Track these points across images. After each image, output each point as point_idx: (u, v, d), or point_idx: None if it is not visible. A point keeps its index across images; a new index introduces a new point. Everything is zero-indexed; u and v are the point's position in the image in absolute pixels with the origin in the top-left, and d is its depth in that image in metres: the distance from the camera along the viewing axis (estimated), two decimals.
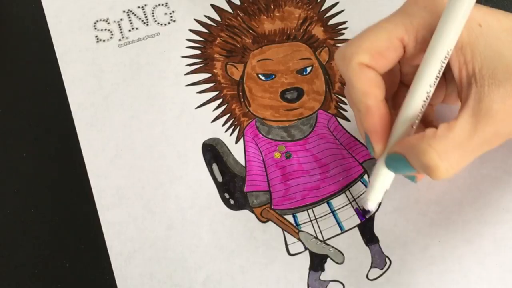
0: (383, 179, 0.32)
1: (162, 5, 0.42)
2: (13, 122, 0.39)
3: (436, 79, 0.28)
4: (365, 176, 0.37)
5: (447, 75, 0.33)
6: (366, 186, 0.37)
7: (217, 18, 0.42)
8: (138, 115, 0.39)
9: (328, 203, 0.36)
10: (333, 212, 0.36)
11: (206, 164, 0.38)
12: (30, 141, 0.39)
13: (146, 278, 0.34)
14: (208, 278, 0.34)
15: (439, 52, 0.28)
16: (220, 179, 0.37)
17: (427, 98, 0.29)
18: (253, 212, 0.36)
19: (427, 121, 0.34)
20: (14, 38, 0.42)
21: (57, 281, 0.35)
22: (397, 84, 0.34)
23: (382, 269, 0.34)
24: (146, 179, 0.37)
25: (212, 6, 0.42)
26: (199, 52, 0.41)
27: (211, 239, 0.35)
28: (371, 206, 0.33)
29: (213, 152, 0.38)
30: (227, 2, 0.42)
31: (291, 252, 0.35)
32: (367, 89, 0.29)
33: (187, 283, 0.34)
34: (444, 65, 0.28)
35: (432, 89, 0.29)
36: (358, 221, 0.36)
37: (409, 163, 0.28)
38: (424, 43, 0.28)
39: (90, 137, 0.38)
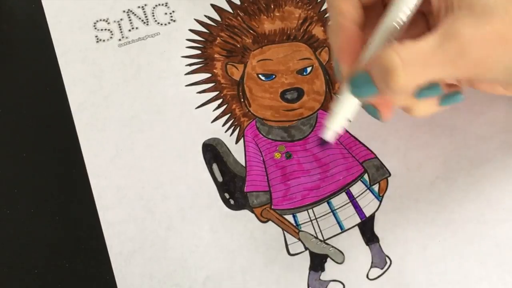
0: (346, 106, 0.30)
1: (162, 5, 0.42)
2: (13, 122, 0.39)
3: None
4: (365, 176, 0.37)
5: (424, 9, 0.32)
6: (366, 185, 0.37)
7: (217, 18, 0.42)
8: (138, 115, 0.39)
9: (328, 203, 0.36)
10: (333, 211, 0.36)
11: (206, 164, 0.38)
12: (30, 141, 0.39)
13: (146, 278, 0.34)
14: (208, 278, 0.34)
15: None
16: (220, 179, 0.37)
17: (405, 16, 0.28)
18: (253, 212, 0.36)
19: None
20: (14, 38, 0.42)
21: (57, 281, 0.35)
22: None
23: (382, 268, 0.34)
24: (146, 179, 0.37)
25: (212, 6, 0.42)
26: (199, 52, 0.41)
27: (211, 239, 0.35)
28: (329, 135, 0.30)
29: (213, 152, 0.38)
30: (227, 2, 0.42)
31: (291, 252, 0.35)
32: (344, 8, 0.29)
33: (187, 283, 0.34)
34: None
35: (413, 7, 0.28)
36: (358, 220, 0.36)
37: (372, 78, 0.28)
38: None
39: (90, 137, 0.38)
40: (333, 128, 0.30)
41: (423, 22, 0.32)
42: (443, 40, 0.27)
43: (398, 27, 0.28)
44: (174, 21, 0.42)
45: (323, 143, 0.31)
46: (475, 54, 0.27)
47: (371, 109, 0.30)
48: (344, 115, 0.30)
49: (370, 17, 0.31)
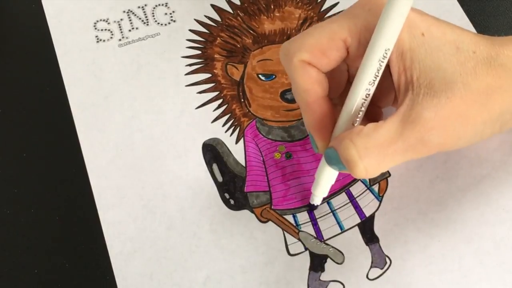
0: (327, 174, 0.32)
1: (162, 5, 0.42)
2: (13, 122, 0.39)
3: (376, 78, 0.28)
4: None
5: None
6: (366, 185, 0.37)
7: (217, 18, 0.42)
8: (138, 115, 0.39)
9: (328, 203, 0.36)
10: (333, 211, 0.36)
11: (206, 164, 0.38)
12: (30, 141, 0.39)
13: (146, 278, 0.34)
14: (208, 278, 0.34)
15: (377, 51, 0.28)
16: (220, 179, 0.37)
17: (366, 97, 0.29)
18: (253, 212, 0.36)
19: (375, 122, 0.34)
20: (14, 38, 0.42)
21: (57, 281, 0.35)
22: (345, 83, 0.33)
23: (382, 268, 0.34)
24: (146, 179, 0.37)
25: (212, 6, 0.42)
26: (199, 52, 0.41)
27: (211, 239, 0.35)
28: (317, 201, 0.35)
29: (213, 152, 0.38)
30: (227, 2, 0.42)
31: (291, 252, 0.35)
32: (308, 86, 0.29)
33: (187, 283, 0.34)
34: (383, 65, 0.28)
35: (372, 88, 0.29)
36: (358, 220, 0.36)
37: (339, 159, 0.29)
38: (367, 45, 0.28)
39: (90, 137, 0.38)
40: (320, 194, 0.34)
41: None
42: (403, 128, 0.27)
43: (363, 107, 0.29)
44: (174, 21, 0.42)
45: (312, 208, 0.36)
46: (436, 139, 0.27)
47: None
48: (327, 182, 0.33)
49: (335, 77, 0.32)
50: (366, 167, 0.27)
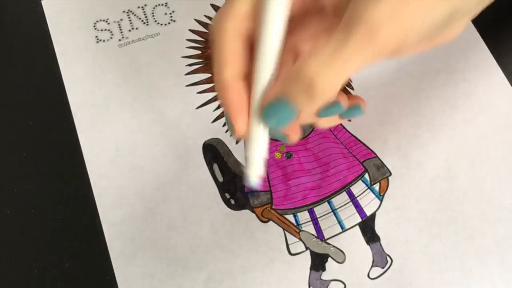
0: (258, 147, 0.28)
1: (162, 5, 0.42)
2: (13, 122, 0.39)
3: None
4: (366, 175, 0.37)
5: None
6: (367, 185, 0.37)
7: None
8: (139, 115, 0.39)
9: (329, 202, 0.36)
10: (334, 211, 0.36)
11: (207, 164, 0.38)
12: (30, 141, 0.38)
13: (147, 278, 0.34)
14: (209, 278, 0.34)
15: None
16: (220, 179, 0.37)
17: (277, 41, 0.27)
18: (254, 212, 0.36)
19: None
20: (14, 38, 0.42)
21: (57, 281, 0.35)
22: None
23: (383, 267, 0.34)
24: (146, 180, 0.37)
25: (212, 6, 0.42)
26: (199, 52, 0.41)
27: (212, 239, 0.35)
28: (254, 181, 0.29)
29: (213, 152, 0.38)
30: None
31: (292, 252, 0.35)
32: (228, 58, 0.27)
33: (188, 283, 0.34)
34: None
35: (280, 32, 0.26)
36: (359, 220, 0.36)
37: (289, 102, 0.26)
38: None
39: (91, 137, 0.38)
40: (256, 173, 0.29)
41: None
42: (349, 28, 0.25)
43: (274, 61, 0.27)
44: (174, 21, 0.42)
45: (250, 191, 0.33)
46: (384, 34, 0.25)
47: (281, 137, 0.29)
48: (260, 156, 0.29)
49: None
50: (327, 80, 0.25)
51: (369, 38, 0.26)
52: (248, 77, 0.28)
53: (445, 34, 0.29)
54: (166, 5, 0.42)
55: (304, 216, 0.36)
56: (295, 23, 0.29)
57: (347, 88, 0.39)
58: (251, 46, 0.28)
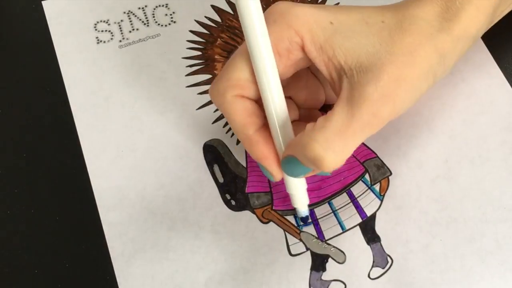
0: (297, 184, 0.33)
1: (163, 6, 0.43)
2: (13, 122, 0.39)
3: (274, 77, 0.29)
4: (366, 176, 0.37)
5: (320, 77, 0.34)
6: (367, 185, 0.37)
7: (218, 19, 0.42)
8: (139, 116, 0.39)
9: (329, 203, 0.36)
10: (334, 212, 0.36)
11: (207, 165, 0.38)
12: (30, 141, 0.38)
13: (147, 279, 0.34)
14: (209, 279, 0.34)
15: (260, 53, 0.28)
16: (221, 180, 0.37)
17: (281, 97, 0.30)
18: (254, 213, 0.36)
19: None
20: (15, 39, 0.42)
21: (57, 281, 0.35)
22: (321, 90, 0.35)
23: (383, 268, 0.34)
24: (147, 180, 0.37)
25: (213, 7, 0.42)
26: (199, 53, 0.41)
27: (212, 240, 0.35)
28: (303, 212, 0.35)
29: (214, 153, 0.38)
30: (227, 2, 0.42)
31: (293, 252, 0.35)
32: (246, 119, 0.30)
33: (188, 284, 0.34)
34: (272, 63, 0.29)
35: (279, 88, 0.29)
36: (359, 220, 0.36)
37: (301, 162, 0.29)
38: (288, 55, 0.29)
39: (91, 138, 0.38)
40: (302, 205, 0.34)
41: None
42: (352, 109, 0.28)
43: (281, 109, 0.30)
44: (175, 22, 0.42)
45: (305, 221, 0.36)
46: (385, 109, 0.28)
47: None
48: (301, 190, 0.33)
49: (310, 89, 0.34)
50: (334, 157, 0.28)
51: (373, 115, 0.28)
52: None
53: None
54: (166, 6, 0.43)
55: None
56: (288, 81, 0.32)
57: None
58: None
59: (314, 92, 0.34)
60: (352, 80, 0.28)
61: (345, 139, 0.28)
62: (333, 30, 0.29)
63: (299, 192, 0.33)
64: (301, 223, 0.36)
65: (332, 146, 0.28)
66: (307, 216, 0.35)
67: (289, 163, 0.30)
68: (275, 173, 0.31)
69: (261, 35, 0.28)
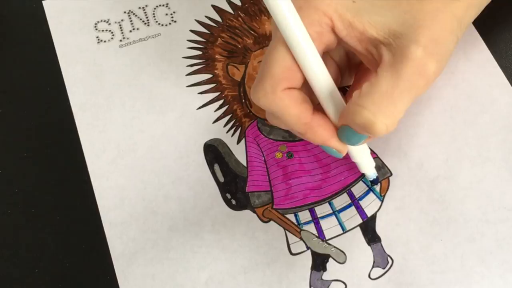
0: (359, 152, 0.33)
1: (163, 5, 0.42)
2: (14, 122, 0.39)
3: (314, 53, 0.29)
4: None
5: (336, 60, 0.34)
6: (367, 185, 0.37)
7: (218, 18, 0.42)
8: (140, 116, 0.39)
9: (329, 203, 0.36)
10: (334, 212, 0.36)
11: (208, 164, 0.38)
12: (30, 141, 0.38)
13: (148, 279, 0.34)
14: (210, 279, 0.34)
15: (297, 38, 0.28)
16: (221, 179, 0.37)
17: (324, 69, 0.30)
18: (254, 212, 0.36)
19: None
20: (15, 39, 0.42)
21: (58, 281, 0.35)
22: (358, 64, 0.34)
23: (384, 268, 0.35)
24: (148, 180, 0.37)
25: (213, 6, 0.42)
26: (200, 52, 0.41)
27: (213, 239, 0.35)
28: (372, 175, 0.35)
29: (214, 152, 0.38)
30: (227, 2, 0.42)
31: (293, 252, 0.35)
32: (299, 111, 0.30)
33: (189, 283, 0.34)
34: (307, 38, 0.29)
35: (319, 62, 0.29)
36: (360, 221, 0.36)
37: (354, 130, 0.29)
38: (320, 38, 0.30)
39: (92, 138, 0.38)
40: (369, 168, 0.35)
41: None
42: (398, 70, 0.28)
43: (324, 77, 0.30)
44: (175, 21, 0.42)
45: (374, 181, 0.36)
46: (431, 64, 0.28)
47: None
48: (365, 157, 0.34)
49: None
50: (383, 120, 0.28)
51: (418, 73, 0.28)
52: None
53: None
54: (167, 6, 0.42)
55: (305, 215, 0.36)
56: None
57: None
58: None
59: (334, 74, 0.34)
60: (391, 47, 0.28)
61: (393, 101, 0.28)
62: (357, 8, 0.29)
63: (363, 159, 0.34)
64: (372, 185, 0.37)
65: (381, 109, 0.28)
66: (377, 178, 0.36)
67: (345, 133, 0.30)
68: (341, 147, 0.31)
69: (294, 20, 0.28)
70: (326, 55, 0.33)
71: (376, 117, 0.28)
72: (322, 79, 0.30)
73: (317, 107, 0.31)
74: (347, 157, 0.37)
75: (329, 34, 0.30)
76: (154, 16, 0.42)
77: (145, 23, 0.42)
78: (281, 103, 0.30)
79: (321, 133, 0.31)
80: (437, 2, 0.29)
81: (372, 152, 0.37)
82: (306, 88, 0.31)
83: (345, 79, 0.35)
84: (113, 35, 0.42)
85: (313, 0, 0.29)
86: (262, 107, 0.31)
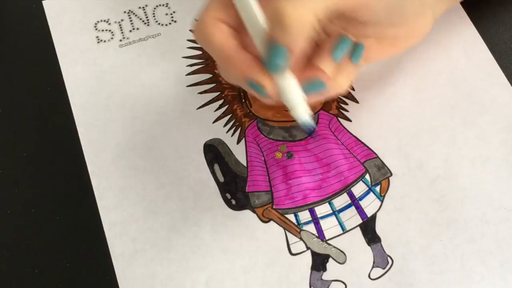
0: (289, 87, 0.29)
1: (163, 5, 0.42)
2: (13, 122, 0.39)
3: None
4: (367, 176, 0.37)
5: None
6: (367, 185, 0.37)
7: None
8: (140, 116, 0.39)
9: (329, 203, 0.36)
10: (334, 212, 0.36)
11: (208, 164, 0.38)
12: (30, 141, 0.38)
13: (148, 279, 0.34)
14: (210, 279, 0.34)
15: None
16: (221, 179, 0.37)
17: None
18: (254, 212, 0.36)
19: None
20: (15, 39, 0.42)
21: (57, 281, 0.35)
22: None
23: (384, 268, 0.35)
24: (147, 180, 0.37)
25: None
26: (200, 52, 0.41)
27: (212, 239, 0.35)
28: (306, 119, 0.30)
29: (214, 152, 0.38)
30: None
31: (293, 252, 0.35)
32: (224, 41, 0.29)
33: (189, 283, 0.34)
34: None
35: None
36: (360, 221, 0.36)
37: (274, 38, 0.27)
38: None
39: (92, 138, 0.38)
40: (304, 112, 0.30)
41: None
42: None
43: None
44: (175, 21, 0.42)
45: (310, 132, 0.31)
46: None
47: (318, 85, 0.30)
48: (298, 95, 0.30)
49: None
50: (294, 10, 0.26)
51: None
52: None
53: (410, 25, 0.32)
54: (167, 6, 0.42)
55: (305, 215, 0.36)
56: None
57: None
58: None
59: None
60: None
61: None
62: None
63: (294, 96, 0.29)
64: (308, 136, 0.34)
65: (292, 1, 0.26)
66: (314, 129, 0.30)
67: (270, 53, 0.28)
68: (267, 82, 0.29)
69: None
70: None
71: (288, 5, 0.26)
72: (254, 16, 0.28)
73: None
74: (347, 157, 0.38)
75: None
76: (154, 16, 0.42)
77: (145, 23, 0.42)
78: (206, 30, 0.29)
79: (242, 66, 0.29)
80: None
81: (372, 152, 0.38)
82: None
83: None
84: (113, 35, 0.42)
85: None
86: (195, 38, 0.30)
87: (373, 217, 0.36)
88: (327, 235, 0.36)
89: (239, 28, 0.30)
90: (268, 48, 0.28)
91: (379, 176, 0.37)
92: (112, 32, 0.42)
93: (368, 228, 0.36)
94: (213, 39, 0.29)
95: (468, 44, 0.40)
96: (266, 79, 0.29)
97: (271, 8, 0.27)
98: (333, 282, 0.34)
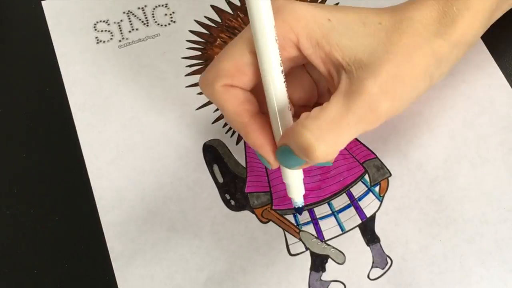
0: (293, 175, 0.32)
1: (162, 6, 0.42)
2: (13, 122, 0.39)
3: (280, 68, 0.29)
4: (366, 176, 0.37)
5: (314, 76, 0.34)
6: (366, 186, 0.37)
7: (217, 19, 0.42)
8: (139, 116, 0.39)
9: (328, 204, 0.36)
10: (333, 213, 0.36)
11: (207, 165, 0.38)
12: (30, 142, 0.38)
13: (147, 280, 0.34)
14: (209, 279, 0.34)
15: (264, 39, 0.28)
16: (220, 180, 0.37)
17: (282, 84, 0.29)
18: (254, 212, 0.36)
19: None
20: (14, 39, 0.42)
21: (57, 281, 0.35)
22: (315, 88, 0.34)
23: (383, 268, 0.35)
24: (147, 181, 0.37)
25: (212, 7, 0.42)
26: (199, 53, 0.41)
27: (212, 240, 0.35)
28: (299, 202, 0.34)
29: (214, 153, 0.38)
30: (227, 3, 0.42)
31: (292, 252, 0.35)
32: (238, 107, 0.30)
33: (188, 284, 0.34)
34: (277, 53, 0.29)
35: (282, 78, 0.29)
36: (359, 221, 0.36)
37: (293, 151, 0.29)
38: (281, 51, 0.29)
39: (91, 138, 0.38)
40: (297, 194, 0.33)
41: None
42: (349, 101, 0.28)
43: (282, 96, 0.30)
44: (174, 22, 0.42)
45: (299, 211, 0.34)
46: (383, 104, 0.28)
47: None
48: (297, 179, 0.32)
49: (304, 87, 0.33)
50: (325, 148, 0.27)
51: (370, 109, 0.28)
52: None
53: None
54: (166, 6, 0.42)
55: (304, 216, 0.36)
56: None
57: None
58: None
59: (308, 91, 0.34)
60: (351, 75, 0.28)
61: (339, 130, 0.28)
62: (331, 27, 0.29)
63: (294, 182, 0.33)
64: (296, 214, 0.36)
65: (324, 136, 0.27)
66: (302, 207, 0.34)
67: (283, 153, 0.29)
68: (272, 161, 0.31)
69: (267, 21, 0.28)
70: (302, 69, 0.33)
71: (318, 142, 0.27)
72: (275, 92, 0.29)
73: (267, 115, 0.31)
74: (347, 157, 0.38)
75: (291, 50, 0.29)
76: (153, 17, 0.42)
77: (144, 24, 0.42)
78: (218, 96, 0.30)
79: (255, 137, 0.30)
80: (417, 37, 0.28)
81: (372, 153, 0.38)
82: (261, 94, 0.30)
83: (325, 97, 0.35)
84: (112, 35, 0.42)
85: (285, 12, 0.29)
86: (205, 95, 0.31)
87: (372, 217, 0.36)
88: (326, 236, 0.36)
89: (255, 89, 0.31)
90: (287, 153, 0.29)
91: (378, 176, 0.37)
92: (111, 33, 0.42)
93: (367, 229, 0.36)
94: (227, 106, 0.30)
95: None
96: (274, 161, 0.31)
97: (300, 140, 0.28)
98: (332, 283, 0.34)
